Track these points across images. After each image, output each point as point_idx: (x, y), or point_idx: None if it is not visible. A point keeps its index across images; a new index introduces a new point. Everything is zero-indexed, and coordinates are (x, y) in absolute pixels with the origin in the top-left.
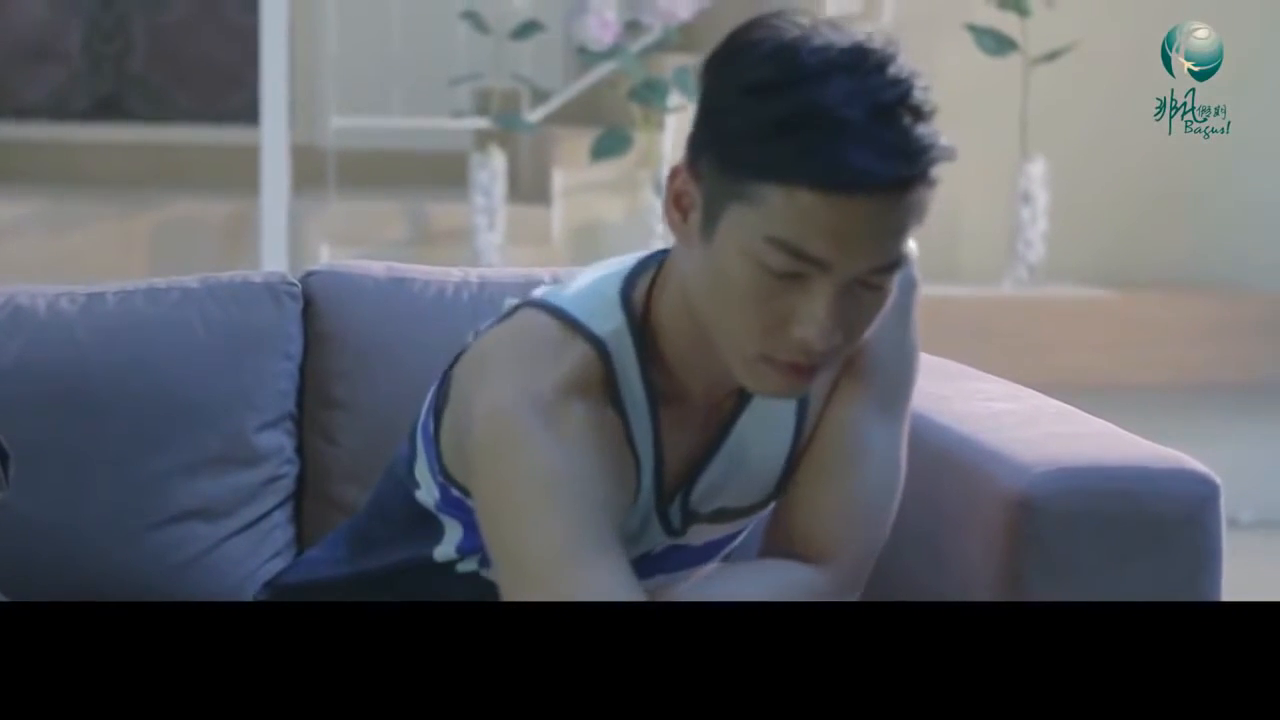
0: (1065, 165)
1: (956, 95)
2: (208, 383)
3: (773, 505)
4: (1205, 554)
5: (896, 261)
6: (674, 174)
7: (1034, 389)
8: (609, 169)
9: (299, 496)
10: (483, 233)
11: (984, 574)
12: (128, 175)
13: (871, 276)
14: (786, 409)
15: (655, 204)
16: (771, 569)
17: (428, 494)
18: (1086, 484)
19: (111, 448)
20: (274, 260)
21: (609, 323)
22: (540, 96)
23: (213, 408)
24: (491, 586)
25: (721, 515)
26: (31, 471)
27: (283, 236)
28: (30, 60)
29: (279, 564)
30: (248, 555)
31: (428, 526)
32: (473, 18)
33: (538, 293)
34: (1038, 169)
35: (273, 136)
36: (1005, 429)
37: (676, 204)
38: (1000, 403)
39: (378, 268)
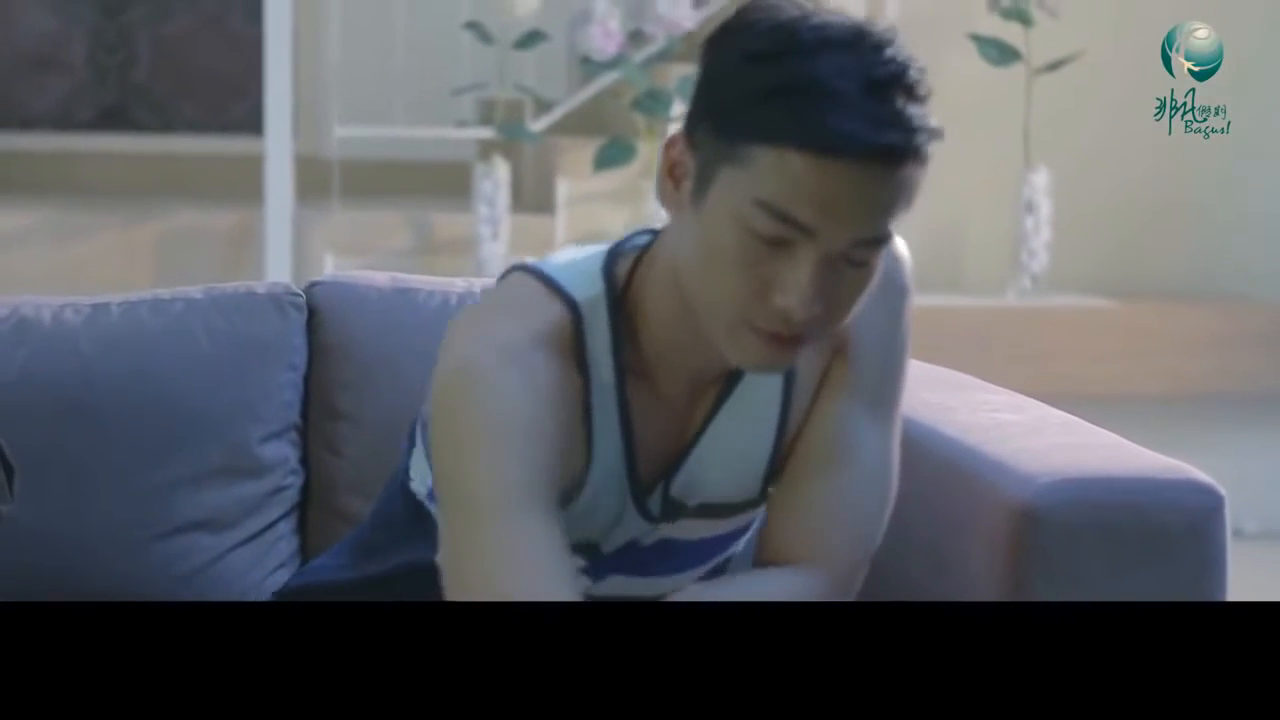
0: (1068, 175)
1: (960, 105)
2: (212, 393)
3: (764, 509)
4: (1210, 565)
5: (882, 237)
6: (671, 143)
7: (1038, 399)
8: (613, 179)
9: (303, 507)
10: (486, 242)
11: (988, 584)
12: (132, 185)
13: (855, 250)
14: (770, 402)
15: (659, 213)
16: (760, 577)
17: (420, 483)
18: (1091, 495)
19: (116, 459)
20: (278, 270)
21: (587, 290)
22: (544, 106)
23: (217, 418)
24: None
25: (709, 510)
26: (36, 482)
27: (287, 247)
28: (35, 71)
29: (284, 575)
30: (252, 566)
31: (427, 529)
32: (476, 28)
33: (529, 259)
34: (1041, 179)
35: (277, 146)
36: (1010, 439)
37: (670, 173)
38: (1005, 413)
39: (382, 278)
